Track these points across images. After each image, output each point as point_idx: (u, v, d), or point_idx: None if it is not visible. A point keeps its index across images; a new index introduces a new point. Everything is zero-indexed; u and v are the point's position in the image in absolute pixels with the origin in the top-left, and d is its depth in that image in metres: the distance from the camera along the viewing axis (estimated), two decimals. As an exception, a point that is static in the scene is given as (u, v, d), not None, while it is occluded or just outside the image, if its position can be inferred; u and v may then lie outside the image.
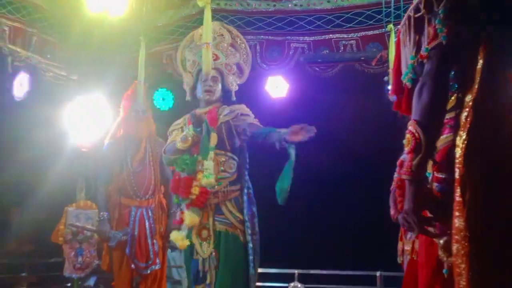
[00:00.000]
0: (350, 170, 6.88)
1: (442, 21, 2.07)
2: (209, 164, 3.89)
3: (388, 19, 5.46)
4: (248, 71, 4.39)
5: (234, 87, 4.27)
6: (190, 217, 3.89)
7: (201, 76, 4.19)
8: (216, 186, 3.89)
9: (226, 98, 4.22)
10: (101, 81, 6.74)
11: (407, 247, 5.07)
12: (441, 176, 2.15)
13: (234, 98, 4.21)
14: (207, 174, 3.85)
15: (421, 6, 2.16)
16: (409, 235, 5.04)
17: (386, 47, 5.47)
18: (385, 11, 5.48)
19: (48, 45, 6.60)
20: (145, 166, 4.90)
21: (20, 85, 6.16)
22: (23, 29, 6.27)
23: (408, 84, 2.26)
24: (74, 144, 6.44)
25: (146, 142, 4.94)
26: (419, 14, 2.19)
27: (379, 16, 5.79)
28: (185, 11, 6.23)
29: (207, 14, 4.20)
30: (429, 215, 2.17)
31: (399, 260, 4.98)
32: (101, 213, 4.77)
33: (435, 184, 2.18)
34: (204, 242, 3.92)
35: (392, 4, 5.31)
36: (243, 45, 4.43)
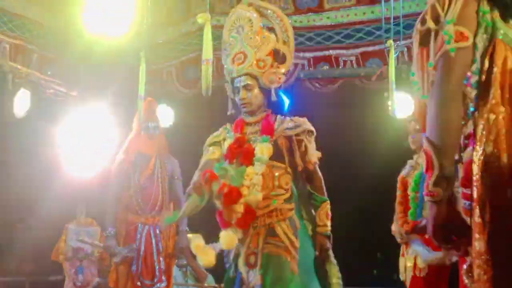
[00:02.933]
0: (351, 185, 6.85)
1: (449, 31, 1.99)
2: (258, 179, 3.39)
3: (388, 35, 5.46)
4: (292, 51, 3.76)
5: (276, 82, 3.63)
6: (227, 238, 3.32)
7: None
8: (270, 205, 3.38)
9: (271, 101, 3.64)
10: (101, 97, 6.73)
11: (409, 263, 5.07)
12: (468, 192, 2.01)
13: (274, 98, 3.63)
14: (255, 191, 3.34)
15: (427, 17, 2.08)
16: (410, 251, 5.03)
17: (386, 63, 5.47)
18: (384, 27, 5.48)
19: (48, 61, 6.64)
20: (153, 182, 4.92)
21: (21, 102, 6.16)
22: (23, 46, 6.32)
23: (423, 100, 2.13)
24: (74, 161, 6.42)
25: (156, 158, 4.96)
26: (425, 26, 2.09)
27: (379, 32, 5.80)
28: (185, 28, 6.24)
29: (207, 31, 4.20)
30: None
31: (402, 277, 4.96)
32: (109, 229, 4.78)
33: (463, 201, 2.06)
34: (251, 271, 3.37)
35: (392, 20, 5.32)
36: (278, 19, 3.73)
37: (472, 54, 1.99)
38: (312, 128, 3.66)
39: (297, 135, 3.60)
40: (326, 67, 6.18)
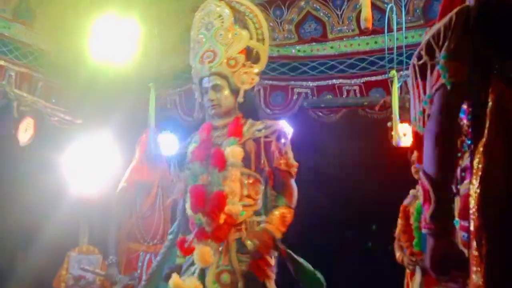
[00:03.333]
0: (354, 215, 6.85)
1: (444, 66, 2.02)
2: (236, 186, 3.07)
3: (391, 65, 5.49)
4: (267, 50, 3.48)
5: (247, 83, 3.32)
6: (202, 253, 2.99)
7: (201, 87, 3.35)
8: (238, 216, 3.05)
9: (244, 105, 3.32)
10: (106, 125, 6.75)
11: None
12: (466, 224, 2.02)
13: (241, 100, 3.28)
14: (235, 200, 3.04)
15: (423, 53, 2.11)
16: (416, 279, 5.00)
17: (389, 93, 5.49)
18: (388, 57, 5.51)
19: (53, 89, 6.68)
20: (154, 211, 4.92)
21: (25, 130, 6.18)
22: (29, 74, 6.36)
23: (420, 132, 2.18)
24: (78, 189, 6.42)
25: (158, 187, 4.95)
26: (422, 61, 2.13)
27: (382, 62, 5.82)
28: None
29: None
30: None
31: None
32: (110, 257, 4.77)
33: (461, 234, 2.10)
34: None
35: (395, 50, 5.34)
36: (252, 15, 3.43)
37: (468, 88, 2.02)
38: (286, 130, 3.32)
39: (266, 136, 3.24)
40: (329, 96, 6.22)
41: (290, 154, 3.31)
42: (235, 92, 3.29)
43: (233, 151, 3.15)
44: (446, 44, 2.02)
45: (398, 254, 4.98)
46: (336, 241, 6.91)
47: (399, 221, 4.95)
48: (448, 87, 1.99)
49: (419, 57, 2.13)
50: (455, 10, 2.05)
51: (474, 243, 1.88)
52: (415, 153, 4.68)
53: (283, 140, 3.29)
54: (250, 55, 3.37)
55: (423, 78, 2.14)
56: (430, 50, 2.08)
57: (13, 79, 6.15)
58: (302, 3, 6.27)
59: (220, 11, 3.37)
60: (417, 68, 2.16)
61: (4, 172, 6.18)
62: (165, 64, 6.33)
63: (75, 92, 6.68)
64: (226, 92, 3.26)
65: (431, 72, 2.07)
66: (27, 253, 6.51)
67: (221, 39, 3.32)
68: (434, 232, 1.93)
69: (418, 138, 2.27)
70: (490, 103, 1.98)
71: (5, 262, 6.46)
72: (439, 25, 2.07)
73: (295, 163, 3.31)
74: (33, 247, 6.43)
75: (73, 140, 6.67)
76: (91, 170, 6.43)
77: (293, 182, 3.25)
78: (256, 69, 3.37)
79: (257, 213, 3.17)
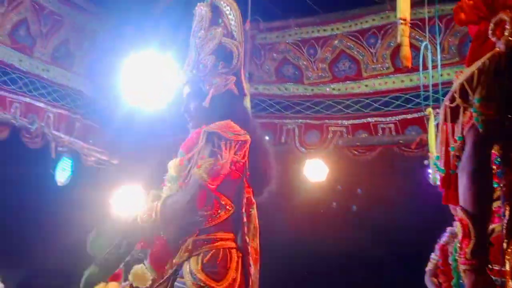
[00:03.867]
0: (391, 253, 6.74)
1: (478, 109, 2.08)
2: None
3: (427, 102, 5.43)
4: (241, 45, 2.97)
5: (216, 86, 2.88)
6: (138, 274, 2.72)
7: None
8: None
9: (224, 112, 2.86)
10: (142, 166, 6.80)
11: None
12: (496, 268, 2.11)
13: (206, 105, 2.85)
14: None
15: (456, 96, 2.17)
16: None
17: (425, 131, 5.42)
18: (423, 94, 5.43)
19: (90, 130, 6.79)
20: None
21: (63, 170, 6.31)
22: (67, 116, 6.50)
23: (441, 172, 2.26)
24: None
25: None
26: (455, 103, 2.18)
27: (418, 100, 5.77)
28: None
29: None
30: None
31: None
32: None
33: (493, 278, 2.08)
34: None
35: (430, 88, 5.28)
36: (228, 8, 3.02)
37: (499, 132, 2.11)
38: (220, 130, 2.71)
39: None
40: (364, 135, 6.18)
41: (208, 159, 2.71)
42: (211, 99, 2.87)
43: (173, 164, 2.87)
44: (479, 88, 2.10)
45: None
46: (371, 278, 6.79)
47: (433, 256, 4.88)
48: (481, 129, 2.07)
49: (452, 99, 2.19)
50: (488, 55, 2.14)
51: (510, 283, 1.96)
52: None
53: (215, 141, 2.72)
54: (223, 54, 2.96)
55: (453, 120, 2.21)
56: (463, 93, 2.14)
57: (51, 120, 6.29)
58: (336, 41, 6.33)
59: (202, 13, 3.07)
60: (448, 110, 2.22)
61: (43, 211, 6.22)
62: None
63: (112, 133, 6.77)
64: (197, 101, 2.92)
65: (464, 114, 2.15)
66: None
67: (198, 42, 3.02)
68: (476, 267, 1.97)
69: (445, 178, 2.29)
70: None
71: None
72: (472, 69, 2.15)
73: (208, 162, 2.69)
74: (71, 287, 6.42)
75: (109, 180, 6.77)
76: (128, 209, 6.47)
77: (194, 185, 2.70)
78: (225, 69, 2.92)
79: (203, 231, 2.73)
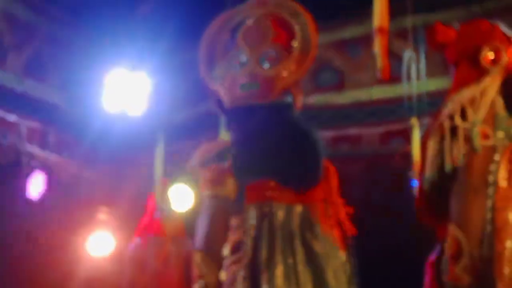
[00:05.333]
0: (375, 266, 6.68)
1: (477, 130, 2.27)
2: None
3: (411, 113, 5.42)
4: None
5: None
6: None
7: None
8: None
9: None
10: (120, 180, 6.77)
11: None
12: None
13: None
14: None
15: (456, 116, 2.33)
16: None
17: (409, 142, 5.40)
18: (407, 105, 5.42)
19: (65, 143, 6.72)
20: (168, 267, 4.87)
21: (35, 185, 6.19)
22: (40, 129, 6.42)
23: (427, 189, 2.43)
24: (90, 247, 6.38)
25: (171, 242, 4.90)
26: (453, 123, 2.35)
27: (401, 111, 5.75)
28: (202, 108, 6.21)
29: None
30: None
31: None
32: None
33: None
34: None
35: (414, 99, 5.27)
36: None
37: (493, 154, 2.29)
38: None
39: None
40: (347, 147, 6.22)
41: None
42: None
43: None
44: (480, 110, 2.30)
45: None
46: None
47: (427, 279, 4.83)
48: (478, 151, 2.25)
49: (451, 119, 2.36)
50: (488, 80, 2.37)
51: None
52: None
53: None
54: None
55: (450, 140, 2.35)
56: (464, 114, 2.32)
57: (24, 134, 6.20)
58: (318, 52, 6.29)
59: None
60: (447, 129, 2.37)
61: (13, 229, 6.13)
62: (177, 116, 6.37)
63: (87, 146, 6.66)
64: None
65: (462, 134, 2.31)
66: None
67: None
68: (463, 284, 2.15)
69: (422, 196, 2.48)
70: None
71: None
72: (473, 92, 2.36)
73: None
74: None
75: (85, 194, 6.70)
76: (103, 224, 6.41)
77: None
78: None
79: None
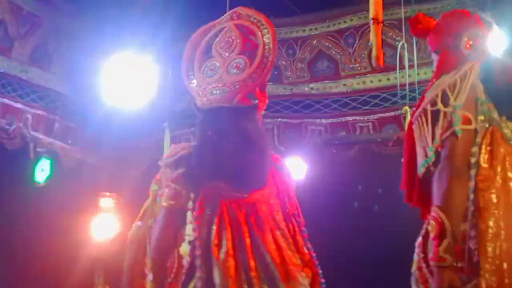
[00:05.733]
0: (370, 251, 6.77)
1: (458, 114, 2.28)
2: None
3: (404, 101, 5.51)
4: None
5: None
6: None
7: None
8: None
9: None
10: (122, 166, 6.86)
11: None
12: (459, 265, 2.21)
13: None
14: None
15: (438, 100, 2.35)
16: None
17: (402, 129, 5.50)
18: (400, 93, 5.51)
19: (69, 131, 6.79)
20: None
21: (42, 171, 6.26)
22: (45, 116, 6.48)
23: (421, 173, 2.41)
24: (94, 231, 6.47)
25: None
26: (435, 107, 2.36)
27: (395, 99, 5.85)
28: None
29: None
30: None
31: None
32: None
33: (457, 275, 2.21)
34: None
35: (407, 87, 5.36)
36: None
37: (474, 137, 2.31)
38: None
39: None
40: (343, 133, 6.24)
41: None
42: None
43: None
44: (460, 94, 2.32)
45: None
46: (346, 279, 6.81)
47: (415, 256, 4.93)
48: (459, 134, 2.27)
49: (433, 104, 2.38)
50: (469, 65, 2.40)
51: (482, 280, 2.10)
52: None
53: None
54: None
55: (434, 123, 2.37)
56: (445, 98, 2.34)
57: (29, 121, 6.25)
58: (314, 42, 6.38)
59: None
60: (429, 113, 2.39)
61: (20, 212, 6.21)
62: (178, 104, 6.38)
63: (91, 133, 6.75)
64: None
65: (444, 118, 2.33)
66: None
67: None
68: (445, 265, 2.14)
69: (416, 182, 2.47)
70: (492, 152, 2.29)
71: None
72: (455, 76, 2.38)
73: None
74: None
75: (89, 180, 6.78)
76: (107, 209, 6.50)
77: None
78: None
79: None
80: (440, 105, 2.34)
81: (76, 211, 6.42)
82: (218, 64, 2.98)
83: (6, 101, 6.09)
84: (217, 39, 3.07)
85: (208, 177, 2.83)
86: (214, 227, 2.76)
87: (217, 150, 2.86)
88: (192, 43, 3.16)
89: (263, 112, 3.01)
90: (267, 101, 3.01)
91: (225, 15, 3.17)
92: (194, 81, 3.07)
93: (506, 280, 2.09)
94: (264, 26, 2.99)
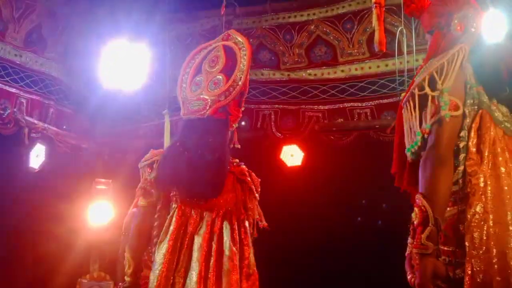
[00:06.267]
0: (367, 237, 6.82)
1: (445, 98, 2.26)
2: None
3: (402, 87, 5.51)
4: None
5: None
6: None
7: None
8: None
9: None
10: (117, 152, 6.89)
11: None
12: (447, 249, 2.25)
13: None
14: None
15: (425, 84, 2.32)
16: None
17: (401, 115, 5.50)
18: (398, 79, 5.50)
19: (64, 116, 6.78)
20: None
21: (36, 156, 6.26)
22: (40, 101, 6.46)
23: (410, 158, 2.40)
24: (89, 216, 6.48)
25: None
26: (423, 91, 2.33)
27: (393, 85, 5.86)
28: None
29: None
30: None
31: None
32: (119, 284, 4.78)
33: (442, 257, 2.26)
34: None
35: (405, 73, 5.34)
36: None
37: (461, 122, 2.29)
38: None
39: None
40: (341, 120, 6.24)
41: None
42: None
43: None
44: (447, 78, 2.29)
45: (409, 275, 4.95)
46: (345, 263, 6.85)
47: (409, 240, 4.96)
48: (447, 119, 2.24)
49: (421, 88, 2.36)
50: (457, 48, 2.35)
51: (469, 264, 2.13)
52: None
53: None
54: None
55: (421, 107, 2.36)
56: (432, 82, 2.32)
57: (24, 106, 6.25)
58: (312, 27, 6.35)
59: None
60: (416, 98, 2.37)
61: (15, 198, 6.21)
62: (174, 89, 6.39)
63: (86, 118, 6.79)
64: None
65: (431, 102, 2.31)
66: (39, 280, 6.46)
67: None
68: (428, 252, 2.14)
69: (406, 165, 2.47)
70: (481, 136, 2.27)
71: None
72: (442, 60, 2.34)
73: None
74: (44, 274, 6.41)
75: (84, 166, 6.80)
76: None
77: None
78: None
79: None
80: (427, 89, 2.31)
81: (71, 197, 6.47)
82: (203, 79, 3.42)
83: (0, 85, 6.08)
84: (208, 56, 3.52)
85: (168, 183, 3.34)
86: (172, 228, 3.27)
87: (178, 160, 3.31)
88: (189, 58, 3.61)
89: (235, 125, 3.44)
90: (240, 115, 3.44)
91: (220, 36, 3.61)
92: (184, 93, 3.53)
93: (495, 266, 2.09)
94: (244, 49, 3.40)
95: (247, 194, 3.47)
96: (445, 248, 2.24)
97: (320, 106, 6.30)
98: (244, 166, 3.56)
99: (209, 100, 3.30)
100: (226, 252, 3.26)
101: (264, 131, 6.43)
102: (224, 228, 3.30)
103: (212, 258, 3.21)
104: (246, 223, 3.45)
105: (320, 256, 6.70)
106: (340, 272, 6.74)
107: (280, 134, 6.38)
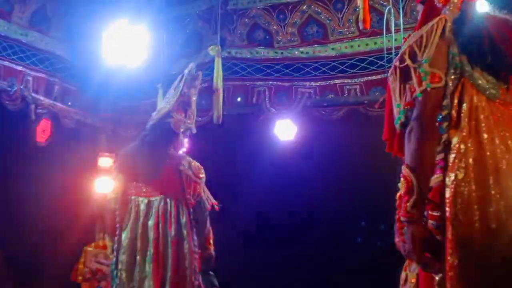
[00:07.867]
0: (356, 209, 6.94)
1: (425, 69, 2.22)
2: None
3: (390, 64, 5.58)
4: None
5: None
6: None
7: None
8: None
9: None
10: (120, 127, 7.07)
11: (413, 279, 5.18)
12: (435, 214, 2.23)
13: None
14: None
15: (406, 57, 2.30)
16: (413, 266, 5.14)
17: (388, 91, 5.64)
18: (386, 57, 5.64)
19: (69, 92, 6.94)
20: None
21: (43, 131, 6.44)
22: (46, 79, 6.62)
23: (398, 129, 2.39)
24: (94, 186, 6.66)
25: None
26: (404, 64, 2.32)
27: (381, 62, 5.98)
28: (197, 60, 6.41)
29: (218, 62, 4.48)
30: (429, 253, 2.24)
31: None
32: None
33: (430, 222, 2.24)
34: None
35: (393, 51, 5.46)
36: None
37: (444, 92, 2.25)
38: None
39: None
40: (331, 96, 6.38)
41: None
42: None
43: None
44: (427, 49, 2.25)
45: (397, 238, 5.13)
46: (334, 235, 6.98)
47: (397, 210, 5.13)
48: (428, 90, 2.22)
49: (402, 60, 2.34)
50: (435, 20, 2.31)
51: (450, 228, 2.13)
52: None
53: None
54: None
55: (404, 80, 2.35)
56: (413, 54, 2.29)
57: (30, 83, 6.41)
58: (304, 7, 6.50)
59: None
60: (398, 70, 2.37)
61: (23, 172, 6.37)
62: (175, 67, 6.53)
63: (90, 95, 6.93)
64: None
65: (414, 74, 2.27)
66: (46, 249, 6.65)
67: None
68: (414, 220, 2.18)
69: (396, 132, 2.45)
70: (464, 105, 2.23)
71: (26, 259, 6.64)
72: (421, 32, 2.31)
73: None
74: (51, 244, 6.59)
75: (89, 141, 6.99)
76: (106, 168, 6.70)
77: None
78: None
79: None
80: (408, 61, 2.29)
81: (76, 171, 6.64)
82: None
83: (6, 63, 6.22)
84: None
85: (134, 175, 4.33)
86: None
87: (137, 153, 4.37)
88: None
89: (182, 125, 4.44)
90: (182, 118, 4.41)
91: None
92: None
93: (477, 224, 2.09)
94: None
95: (185, 181, 4.32)
96: (434, 213, 2.23)
97: (312, 83, 6.45)
98: (188, 158, 4.46)
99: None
100: (172, 232, 4.17)
101: (259, 106, 6.59)
102: (169, 210, 4.23)
103: (160, 236, 4.13)
104: (186, 205, 4.32)
105: (312, 223, 6.88)
106: (334, 242, 6.92)
107: (274, 110, 6.51)
